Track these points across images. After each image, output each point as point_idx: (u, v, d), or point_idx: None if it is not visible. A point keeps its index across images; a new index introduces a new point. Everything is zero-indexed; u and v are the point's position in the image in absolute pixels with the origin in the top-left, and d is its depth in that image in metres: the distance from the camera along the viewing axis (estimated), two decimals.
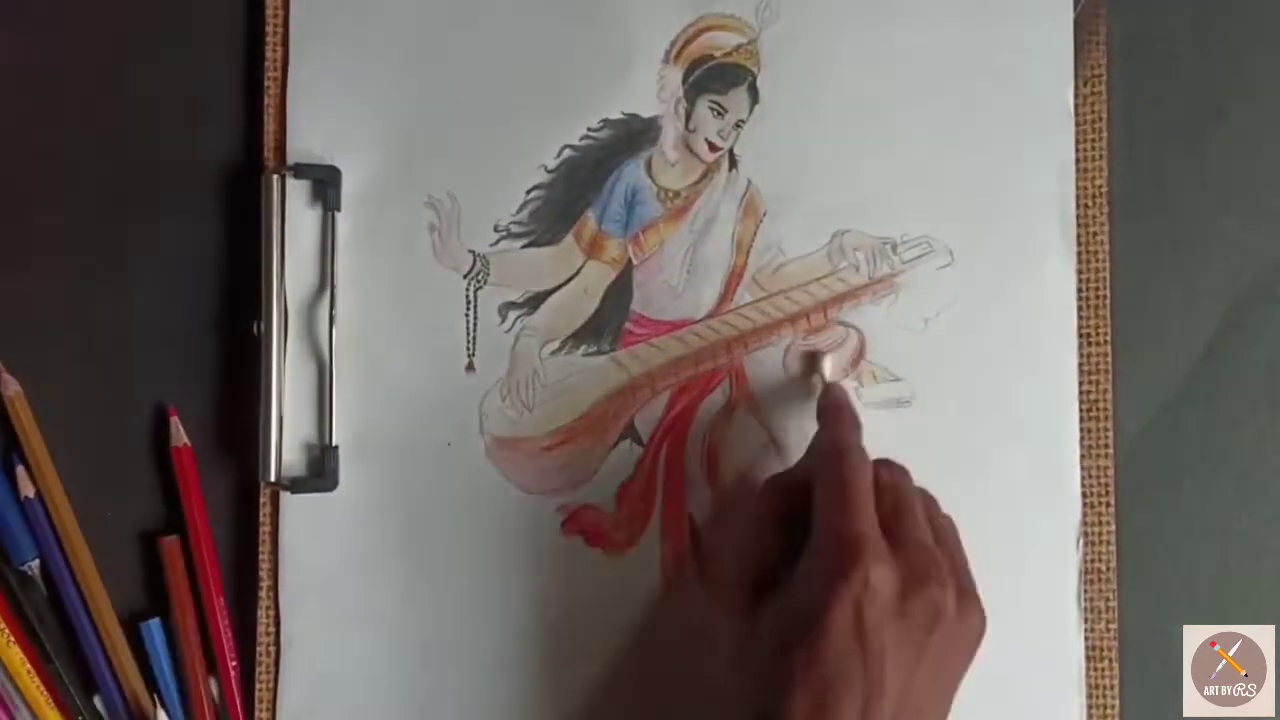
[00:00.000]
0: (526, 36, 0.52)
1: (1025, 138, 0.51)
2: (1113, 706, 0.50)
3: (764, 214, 0.52)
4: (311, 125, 0.52)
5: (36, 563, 0.51)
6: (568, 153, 0.52)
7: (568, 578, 0.51)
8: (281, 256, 0.51)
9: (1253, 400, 0.52)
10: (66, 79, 0.53)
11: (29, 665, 0.50)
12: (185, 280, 0.53)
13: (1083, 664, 0.50)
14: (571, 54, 0.52)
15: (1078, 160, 0.51)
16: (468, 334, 0.52)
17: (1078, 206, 0.51)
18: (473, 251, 0.52)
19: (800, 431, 0.51)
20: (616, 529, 0.51)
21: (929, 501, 0.47)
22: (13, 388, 0.51)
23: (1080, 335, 0.51)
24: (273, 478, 0.50)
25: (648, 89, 0.52)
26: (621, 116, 0.52)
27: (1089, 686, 0.50)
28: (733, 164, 0.52)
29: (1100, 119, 0.52)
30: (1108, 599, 0.51)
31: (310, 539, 0.51)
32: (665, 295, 0.52)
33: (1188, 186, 0.52)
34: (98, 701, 0.51)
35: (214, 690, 0.51)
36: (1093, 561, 0.51)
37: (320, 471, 0.51)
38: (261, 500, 0.51)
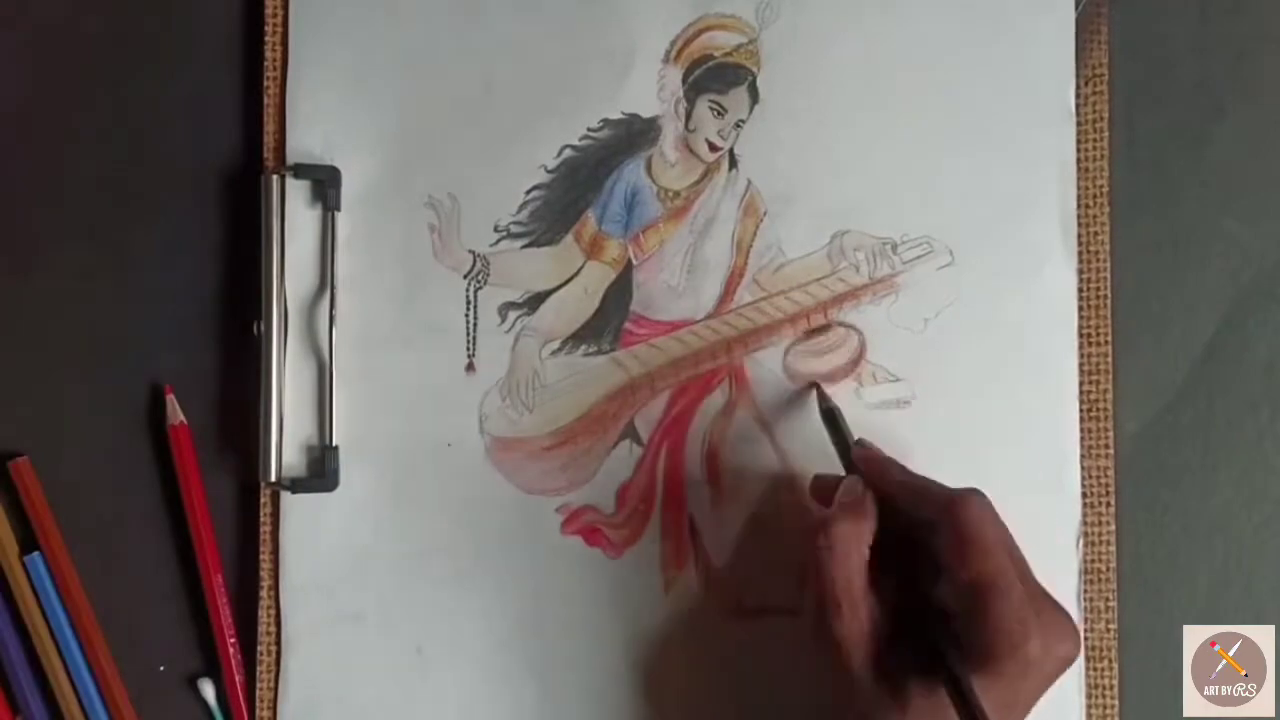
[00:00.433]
0: (526, 36, 0.52)
1: (1026, 138, 0.51)
2: (1112, 706, 0.50)
3: (764, 214, 0.52)
4: (311, 125, 0.52)
5: None
6: (568, 153, 0.52)
7: (567, 578, 0.51)
8: (281, 256, 0.51)
9: (1253, 400, 0.52)
10: (67, 79, 0.53)
11: None
12: (185, 280, 0.53)
13: (1082, 664, 0.50)
14: (571, 54, 0.52)
15: (1078, 160, 0.51)
16: (468, 334, 0.52)
17: (1078, 206, 0.51)
18: (473, 251, 0.52)
19: (800, 431, 0.51)
20: (616, 529, 0.51)
21: None
22: None
23: (1080, 335, 0.51)
24: (273, 478, 0.50)
25: (648, 89, 0.52)
26: (621, 116, 0.52)
27: (1089, 686, 0.50)
28: (733, 164, 0.52)
29: (1101, 119, 0.52)
30: (1108, 599, 0.51)
31: (310, 539, 0.51)
32: (665, 295, 0.52)
33: (1188, 186, 0.52)
34: None
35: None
36: (1093, 561, 0.51)
37: (320, 471, 0.51)
38: (261, 500, 0.51)
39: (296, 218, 0.52)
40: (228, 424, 0.52)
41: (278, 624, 0.51)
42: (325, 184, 0.51)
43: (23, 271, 0.53)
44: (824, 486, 0.48)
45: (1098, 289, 0.51)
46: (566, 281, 0.52)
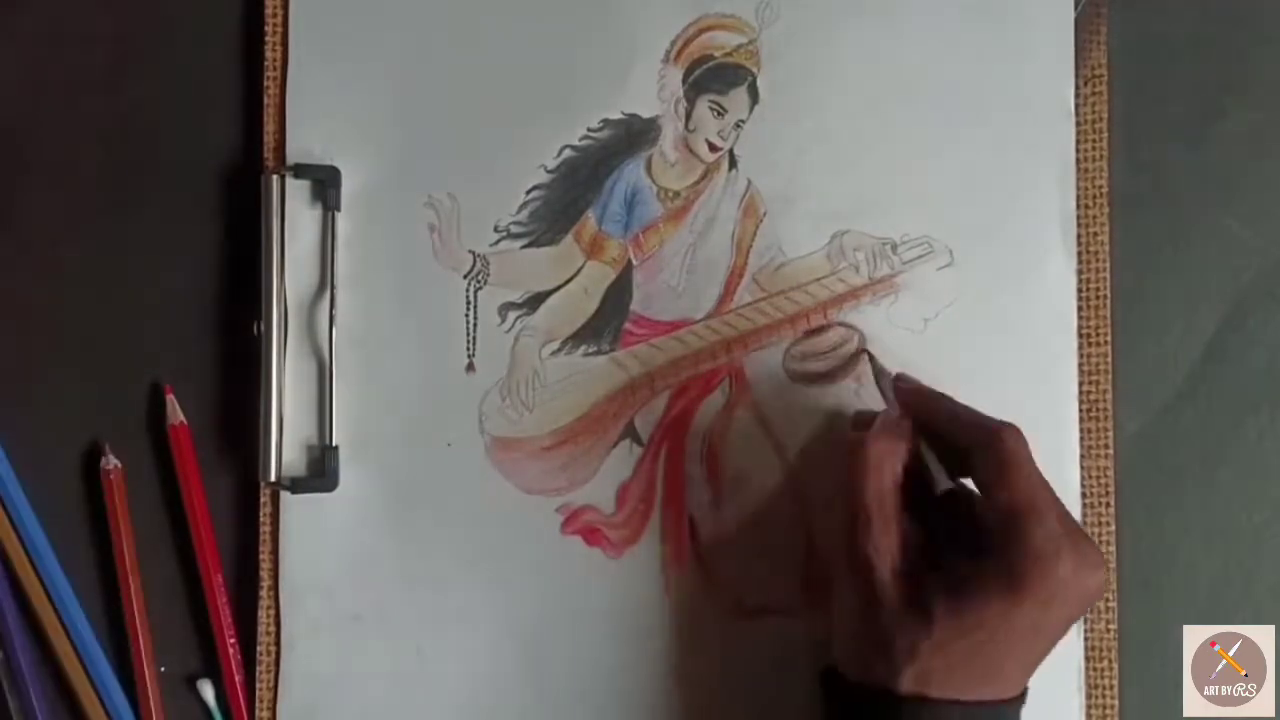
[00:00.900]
0: (526, 36, 0.52)
1: (1026, 138, 0.51)
2: (1112, 706, 0.50)
3: (764, 214, 0.52)
4: (311, 125, 0.52)
5: None
6: (568, 153, 0.52)
7: (567, 578, 0.51)
8: (281, 256, 0.51)
9: (1253, 400, 0.52)
10: (67, 79, 0.53)
11: None
12: (185, 280, 0.53)
13: (1082, 664, 0.50)
14: (571, 54, 0.52)
15: (1078, 160, 0.51)
16: (468, 334, 0.52)
17: (1078, 206, 0.51)
18: (473, 251, 0.52)
19: (800, 431, 0.51)
20: (616, 529, 0.51)
21: None
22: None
23: (1080, 335, 0.51)
24: (273, 478, 0.50)
25: (648, 89, 0.52)
26: (621, 116, 0.52)
27: (1089, 686, 0.50)
28: (733, 164, 0.52)
29: (1101, 119, 0.52)
30: (1108, 599, 0.51)
31: (310, 539, 0.51)
32: (665, 295, 0.52)
33: (1188, 186, 0.52)
34: None
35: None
36: None
37: (320, 471, 0.51)
38: (261, 500, 0.51)
39: (296, 218, 0.52)
40: (228, 424, 0.52)
41: (277, 624, 0.51)
42: (325, 184, 0.51)
43: (23, 271, 0.53)
44: (865, 421, 0.49)
45: (1097, 288, 0.51)
46: (566, 281, 0.52)
